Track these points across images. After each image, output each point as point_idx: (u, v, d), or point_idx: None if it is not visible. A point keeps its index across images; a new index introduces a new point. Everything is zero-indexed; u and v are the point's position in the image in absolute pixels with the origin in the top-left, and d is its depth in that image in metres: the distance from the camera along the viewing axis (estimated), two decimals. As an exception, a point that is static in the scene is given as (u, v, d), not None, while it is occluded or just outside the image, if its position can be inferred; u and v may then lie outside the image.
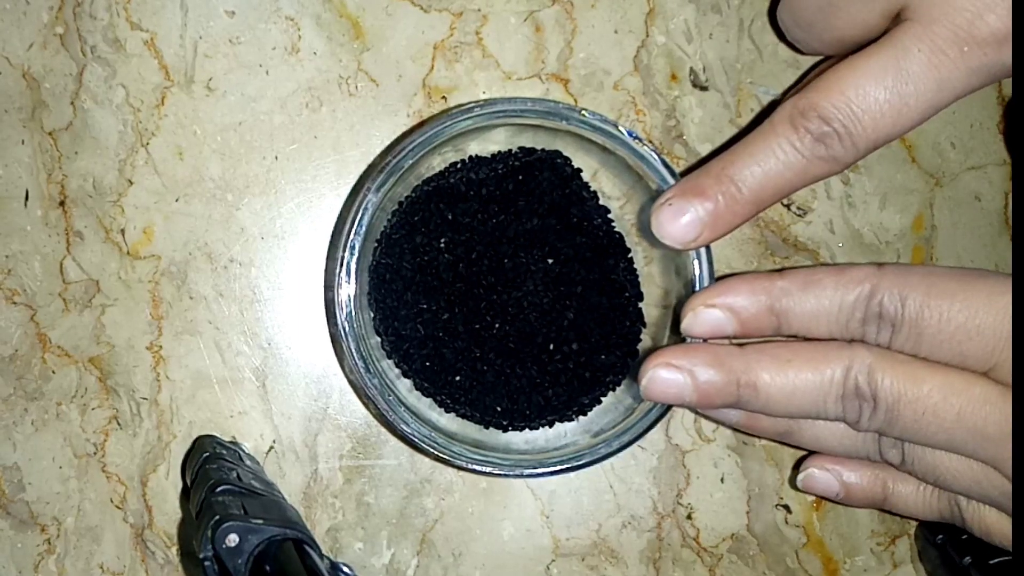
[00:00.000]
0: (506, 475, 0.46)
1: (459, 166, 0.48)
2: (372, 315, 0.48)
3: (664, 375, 0.43)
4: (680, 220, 0.40)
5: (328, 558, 0.40)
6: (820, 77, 0.39)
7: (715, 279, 0.44)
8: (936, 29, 0.36)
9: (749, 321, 0.43)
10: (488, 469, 0.45)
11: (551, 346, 0.47)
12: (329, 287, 0.51)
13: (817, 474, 0.47)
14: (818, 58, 0.50)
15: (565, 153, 0.48)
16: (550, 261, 0.47)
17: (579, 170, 0.48)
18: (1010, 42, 0.36)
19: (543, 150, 0.48)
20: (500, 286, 0.46)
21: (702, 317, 0.43)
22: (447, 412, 0.48)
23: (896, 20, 0.39)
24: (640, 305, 0.49)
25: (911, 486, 0.46)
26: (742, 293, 0.43)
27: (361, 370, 0.44)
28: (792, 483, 0.54)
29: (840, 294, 0.41)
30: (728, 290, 0.43)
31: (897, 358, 0.41)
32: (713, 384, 0.42)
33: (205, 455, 0.47)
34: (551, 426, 0.48)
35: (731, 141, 0.53)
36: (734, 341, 0.44)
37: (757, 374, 0.42)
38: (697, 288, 0.44)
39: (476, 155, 0.48)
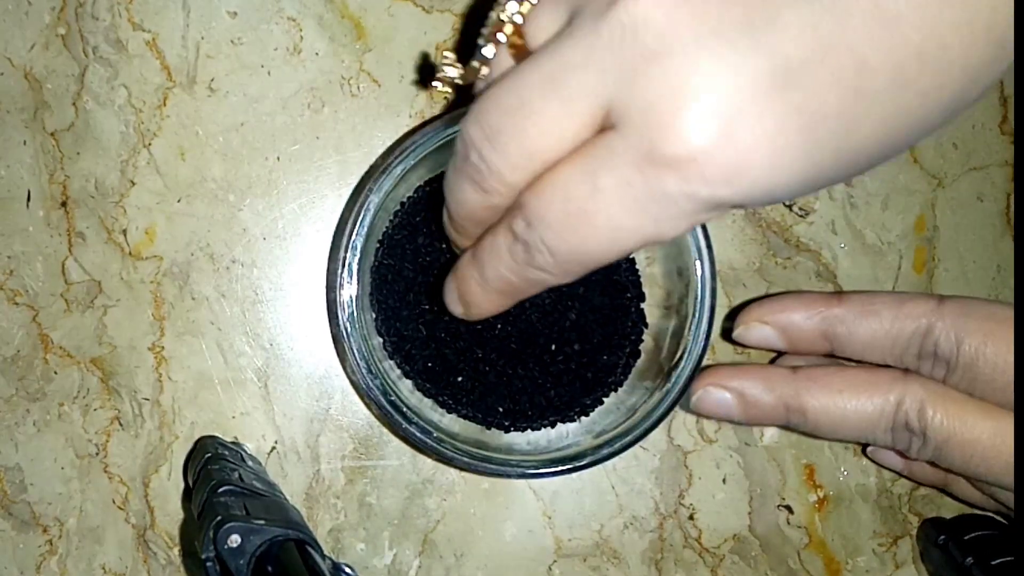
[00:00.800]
0: (508, 475, 0.46)
1: None
2: (374, 316, 0.48)
3: (715, 395, 0.45)
4: (449, 296, 0.37)
5: (330, 559, 0.40)
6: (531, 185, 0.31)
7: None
8: (636, 144, 0.27)
9: (800, 342, 0.44)
10: (490, 469, 0.45)
11: (553, 347, 0.47)
12: (331, 288, 0.51)
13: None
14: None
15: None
16: None
17: None
18: (723, 177, 0.26)
19: None
20: None
21: (754, 332, 0.44)
22: (449, 413, 0.48)
23: (602, 129, 0.29)
24: (642, 306, 0.49)
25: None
26: (797, 314, 0.43)
27: (363, 371, 0.44)
28: (787, 491, 0.54)
29: (897, 327, 0.41)
30: (783, 308, 0.43)
31: (950, 396, 0.41)
32: (761, 407, 0.44)
33: (207, 456, 0.47)
34: (553, 427, 0.48)
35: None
36: None
37: (807, 400, 0.42)
38: (698, 289, 0.44)
39: None
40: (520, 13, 0.29)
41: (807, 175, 0.26)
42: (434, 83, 0.34)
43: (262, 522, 0.40)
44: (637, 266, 0.49)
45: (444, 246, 0.47)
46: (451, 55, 0.33)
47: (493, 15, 0.30)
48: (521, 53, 0.30)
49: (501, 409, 0.48)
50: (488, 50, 0.30)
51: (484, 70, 0.31)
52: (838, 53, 0.24)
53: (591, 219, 0.28)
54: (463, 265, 0.35)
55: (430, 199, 0.47)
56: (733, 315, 0.53)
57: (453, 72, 0.33)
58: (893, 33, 0.24)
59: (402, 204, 0.48)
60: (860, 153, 0.26)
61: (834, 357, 0.47)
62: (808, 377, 0.43)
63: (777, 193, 0.26)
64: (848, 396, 0.42)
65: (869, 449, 0.51)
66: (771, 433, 0.54)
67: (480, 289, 0.34)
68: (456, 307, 0.36)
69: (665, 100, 0.25)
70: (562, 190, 0.29)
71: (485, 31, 0.30)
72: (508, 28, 0.30)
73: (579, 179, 0.28)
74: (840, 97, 0.25)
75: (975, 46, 0.25)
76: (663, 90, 0.25)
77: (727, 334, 0.51)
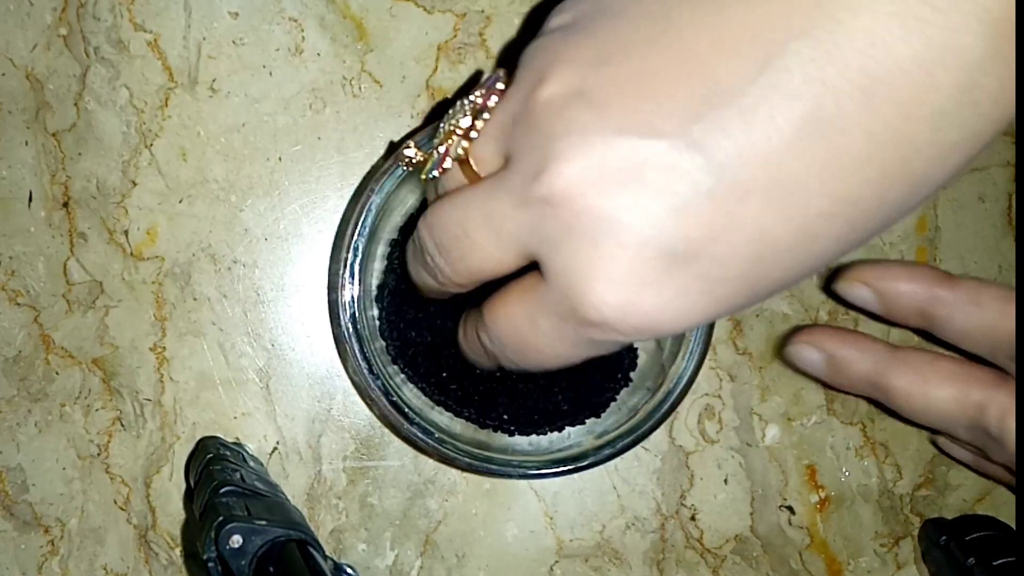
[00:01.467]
0: (510, 476, 0.46)
1: None
2: (378, 321, 0.48)
3: (807, 353, 0.45)
4: (464, 347, 0.40)
5: (332, 559, 0.40)
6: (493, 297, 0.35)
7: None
8: (557, 300, 0.30)
9: (897, 312, 0.44)
10: (492, 470, 0.45)
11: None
12: (332, 288, 0.51)
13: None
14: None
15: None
16: None
17: None
18: (617, 325, 0.29)
19: None
20: None
21: (855, 291, 0.44)
22: (453, 417, 0.48)
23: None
24: None
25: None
26: (904, 284, 0.43)
27: (364, 371, 0.44)
28: (789, 492, 0.54)
29: (999, 325, 0.41)
30: (891, 276, 0.43)
31: None
32: (848, 376, 0.44)
33: (209, 456, 0.47)
34: (560, 431, 0.48)
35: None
36: None
37: (893, 380, 0.42)
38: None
39: None
40: (463, 148, 0.33)
41: (716, 314, 0.29)
42: (398, 160, 0.38)
43: (264, 523, 0.40)
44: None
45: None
46: (412, 143, 0.37)
47: (443, 127, 0.33)
48: (467, 169, 0.33)
49: (506, 416, 0.48)
50: (439, 168, 0.34)
51: (436, 173, 0.34)
52: (739, 229, 0.26)
53: (536, 346, 0.33)
54: (462, 332, 0.39)
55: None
56: (734, 315, 0.53)
57: (413, 154, 0.37)
58: (794, 202, 0.26)
59: (409, 218, 0.47)
60: (766, 292, 0.29)
61: (924, 335, 0.46)
62: (901, 358, 0.43)
63: (689, 327, 0.30)
64: (934, 386, 0.42)
65: (941, 440, 0.51)
66: (772, 434, 0.54)
67: (479, 354, 0.38)
68: (474, 357, 0.39)
69: (580, 273, 0.28)
70: (510, 323, 0.33)
71: (437, 142, 0.33)
72: (455, 149, 0.33)
73: (522, 318, 0.32)
74: (741, 263, 0.27)
75: (890, 192, 0.26)
76: (578, 264, 0.28)
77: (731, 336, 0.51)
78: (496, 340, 0.34)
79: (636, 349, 0.49)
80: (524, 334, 0.33)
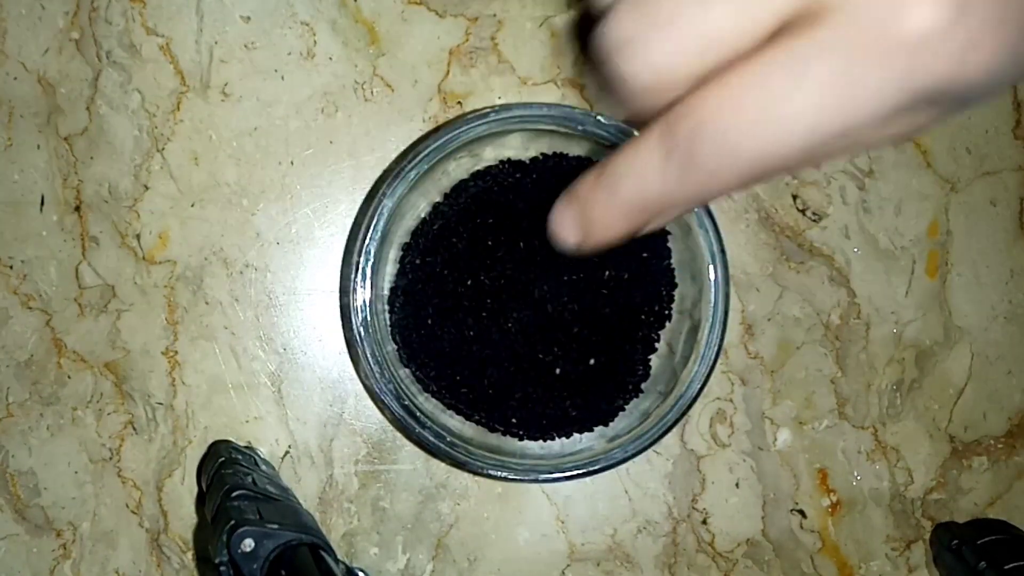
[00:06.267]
0: (522, 480, 0.46)
1: (487, 179, 0.47)
2: (390, 325, 0.48)
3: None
4: (563, 223, 0.36)
5: (344, 563, 0.40)
6: (704, 83, 0.28)
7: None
8: (849, 31, 0.25)
9: None
10: (503, 474, 0.45)
11: (571, 359, 0.47)
12: (344, 292, 0.51)
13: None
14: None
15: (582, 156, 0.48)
16: (574, 277, 0.46)
17: None
18: (938, 48, 0.25)
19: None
20: (521, 301, 0.46)
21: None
22: (464, 420, 0.48)
23: (788, 26, 0.27)
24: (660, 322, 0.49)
25: None
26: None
27: (376, 375, 0.44)
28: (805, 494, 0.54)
29: None
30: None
31: None
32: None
33: (221, 460, 0.47)
34: (568, 436, 0.48)
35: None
36: None
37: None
38: (712, 294, 0.44)
39: (509, 159, 0.48)
40: None
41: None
42: None
43: (276, 526, 0.40)
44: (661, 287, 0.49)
45: (462, 264, 0.46)
46: None
47: None
48: None
49: (515, 420, 0.47)
50: None
51: None
52: None
53: (785, 120, 0.26)
54: (585, 188, 0.32)
55: (442, 227, 0.47)
56: (746, 319, 0.53)
57: None
58: None
59: (421, 222, 0.47)
60: None
61: None
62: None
63: (994, 83, 0.25)
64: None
65: None
66: (784, 438, 0.54)
67: (607, 212, 0.32)
68: (571, 235, 0.34)
69: None
70: (756, 88, 0.26)
71: None
72: None
73: (778, 74, 0.26)
74: None
75: None
76: None
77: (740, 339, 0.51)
78: (712, 125, 0.27)
79: (649, 358, 0.49)
80: (775, 100, 0.26)
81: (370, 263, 0.44)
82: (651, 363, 0.49)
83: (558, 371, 0.47)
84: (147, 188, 0.51)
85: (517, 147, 0.48)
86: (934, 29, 0.24)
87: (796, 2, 0.25)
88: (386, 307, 0.48)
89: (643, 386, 0.48)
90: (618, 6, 0.27)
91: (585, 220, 0.33)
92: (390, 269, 0.48)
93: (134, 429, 0.52)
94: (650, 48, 0.27)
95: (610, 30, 0.27)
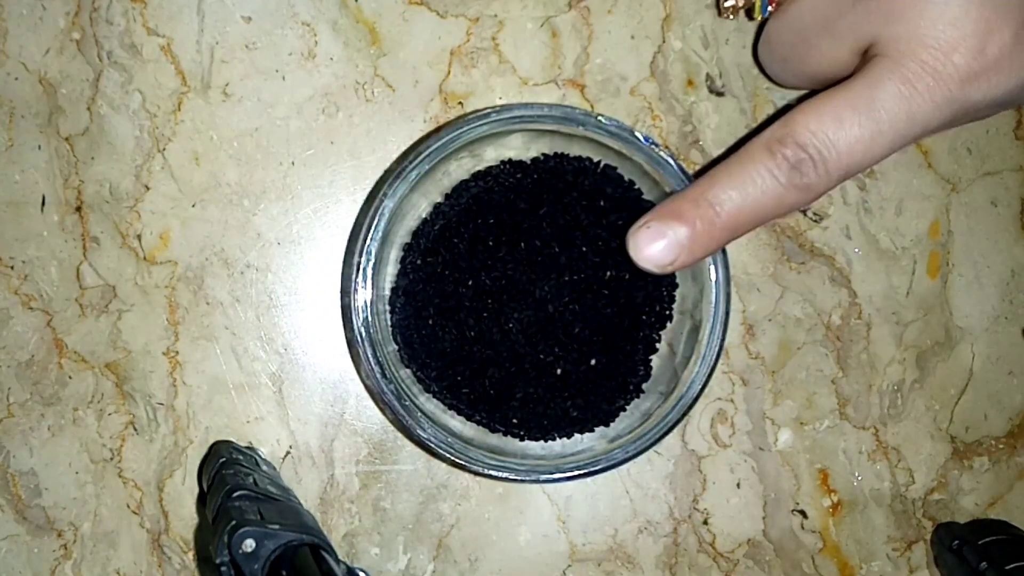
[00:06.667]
0: (523, 480, 0.46)
1: (488, 180, 0.47)
2: (391, 325, 0.48)
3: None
4: (657, 243, 0.39)
5: (345, 563, 0.40)
6: (797, 107, 0.39)
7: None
8: (907, 64, 0.37)
9: None
10: (504, 474, 0.45)
11: (572, 360, 0.47)
12: (345, 292, 0.51)
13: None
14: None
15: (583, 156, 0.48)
16: (575, 277, 0.46)
17: (632, 183, 0.47)
18: (976, 80, 0.37)
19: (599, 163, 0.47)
20: (522, 301, 0.46)
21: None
22: (465, 420, 0.48)
23: (866, 56, 0.39)
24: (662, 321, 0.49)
25: None
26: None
27: (377, 375, 0.44)
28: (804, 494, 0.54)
29: None
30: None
31: None
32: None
33: (221, 460, 0.47)
34: (569, 437, 0.48)
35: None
36: None
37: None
38: (713, 294, 0.44)
39: (511, 159, 0.48)
40: None
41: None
42: (725, 6, 0.50)
43: (277, 527, 0.40)
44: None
45: (464, 264, 0.46)
46: None
47: None
48: None
49: (516, 420, 0.47)
50: (771, 3, 0.46)
51: (770, 8, 0.46)
52: None
53: (882, 136, 0.37)
54: (687, 209, 0.39)
55: (443, 228, 0.47)
56: (747, 320, 0.53)
57: (735, 1, 0.49)
58: None
59: (422, 222, 0.47)
60: None
61: None
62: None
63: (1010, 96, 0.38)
64: None
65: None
66: (785, 438, 0.54)
67: (713, 230, 0.39)
68: (667, 256, 0.39)
69: (931, 30, 0.36)
70: (850, 108, 0.37)
71: None
72: None
73: (863, 99, 0.37)
74: None
75: None
76: (925, 24, 0.36)
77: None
78: (816, 137, 0.37)
79: (650, 359, 0.49)
80: (866, 117, 0.37)
81: (371, 263, 0.44)
82: (652, 363, 0.49)
83: (559, 371, 0.47)
84: (148, 188, 0.51)
85: (518, 147, 0.48)
86: (968, 69, 0.37)
87: (861, 47, 0.40)
88: (387, 307, 0.48)
89: (644, 386, 0.48)
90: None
91: (689, 240, 0.38)
92: (391, 269, 0.48)
93: (135, 429, 0.52)
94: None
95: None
